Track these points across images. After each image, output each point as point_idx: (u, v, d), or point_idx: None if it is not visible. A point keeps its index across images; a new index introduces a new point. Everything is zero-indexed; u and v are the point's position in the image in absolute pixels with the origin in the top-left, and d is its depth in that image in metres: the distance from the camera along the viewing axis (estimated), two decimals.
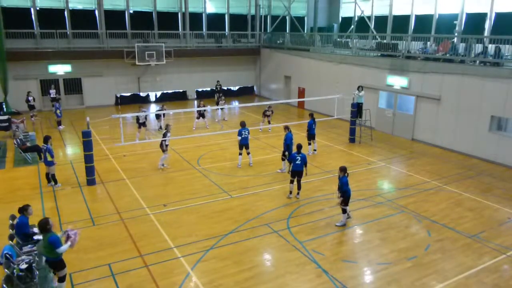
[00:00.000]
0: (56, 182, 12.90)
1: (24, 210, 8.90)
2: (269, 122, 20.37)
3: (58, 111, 19.98)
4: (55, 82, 24.57)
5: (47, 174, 12.93)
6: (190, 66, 28.51)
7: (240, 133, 14.53)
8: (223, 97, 24.37)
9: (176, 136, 18.58)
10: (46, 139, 12.66)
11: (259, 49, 30.69)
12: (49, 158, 12.49)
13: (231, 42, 29.95)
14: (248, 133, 14.78)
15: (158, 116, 21.13)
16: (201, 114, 20.50)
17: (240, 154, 14.92)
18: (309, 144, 16.43)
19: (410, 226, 10.64)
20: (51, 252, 7.25)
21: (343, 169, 10.30)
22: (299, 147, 11.87)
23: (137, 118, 18.01)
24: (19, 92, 22.68)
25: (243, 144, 14.70)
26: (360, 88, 18.63)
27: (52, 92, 23.30)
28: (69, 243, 7.36)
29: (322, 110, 23.68)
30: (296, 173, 11.85)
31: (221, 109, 23.08)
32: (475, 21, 22.18)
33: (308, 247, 9.49)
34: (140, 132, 18.11)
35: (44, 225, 7.25)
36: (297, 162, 11.68)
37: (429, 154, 16.90)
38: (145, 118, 18.36)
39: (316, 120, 16.33)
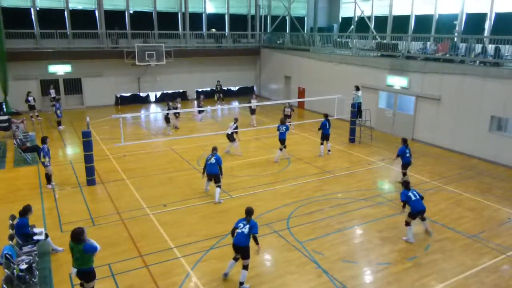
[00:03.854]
0: (48, 182, 12.81)
1: (28, 211, 8.90)
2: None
3: (58, 111, 19.98)
4: (55, 82, 24.59)
5: (46, 174, 12.92)
6: (190, 66, 28.50)
7: (278, 129, 15.51)
8: (221, 95, 26.15)
9: (176, 136, 18.63)
10: (43, 140, 12.63)
11: (259, 49, 30.68)
12: (42, 159, 12.46)
13: (231, 42, 29.95)
14: (286, 129, 15.49)
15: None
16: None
17: (281, 149, 15.66)
18: (321, 144, 16.44)
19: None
20: (86, 262, 6.92)
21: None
22: (407, 183, 10.05)
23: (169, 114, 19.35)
24: (19, 92, 22.66)
25: (281, 139, 15.53)
26: (357, 88, 18.67)
27: (52, 92, 23.34)
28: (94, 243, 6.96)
29: (322, 110, 23.47)
30: (421, 213, 9.81)
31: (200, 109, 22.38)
32: (475, 21, 22.18)
33: (308, 247, 9.48)
34: (169, 126, 19.55)
35: (79, 236, 6.78)
36: (413, 198, 9.71)
37: (429, 154, 16.90)
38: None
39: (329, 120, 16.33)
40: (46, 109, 23.64)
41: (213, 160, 11.64)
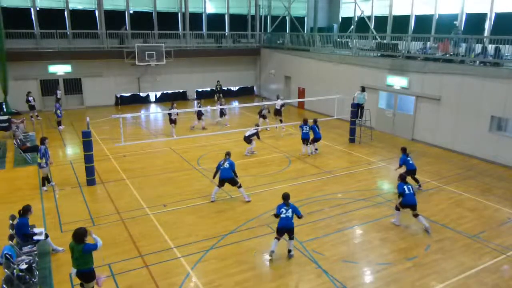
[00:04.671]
0: (44, 184, 12.68)
1: (28, 211, 8.89)
2: (281, 121, 20.29)
3: (58, 111, 19.98)
4: (55, 82, 24.58)
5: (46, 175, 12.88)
6: (190, 66, 28.50)
7: (302, 128, 16.18)
8: (221, 96, 25.89)
9: (176, 137, 18.61)
10: (42, 141, 12.55)
11: (259, 49, 30.69)
12: (38, 160, 12.41)
13: (231, 42, 29.96)
14: (309, 129, 16.06)
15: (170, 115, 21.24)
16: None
17: (305, 144, 16.28)
18: (311, 143, 16.47)
19: (410, 226, 10.63)
20: (86, 262, 6.94)
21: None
22: (404, 177, 10.64)
23: (199, 111, 20.15)
24: (19, 92, 22.66)
25: (304, 138, 16.17)
26: (362, 89, 18.69)
27: (58, 92, 23.33)
28: (97, 238, 7.07)
29: (322, 110, 23.70)
30: (411, 206, 10.39)
31: (222, 112, 21.53)
32: (475, 21, 22.19)
33: (308, 247, 9.49)
34: (199, 122, 20.32)
35: (81, 237, 6.86)
36: (407, 192, 10.33)
37: (429, 154, 16.90)
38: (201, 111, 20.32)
39: (317, 122, 16.67)
40: (49, 109, 23.57)
41: (226, 165, 11.65)
